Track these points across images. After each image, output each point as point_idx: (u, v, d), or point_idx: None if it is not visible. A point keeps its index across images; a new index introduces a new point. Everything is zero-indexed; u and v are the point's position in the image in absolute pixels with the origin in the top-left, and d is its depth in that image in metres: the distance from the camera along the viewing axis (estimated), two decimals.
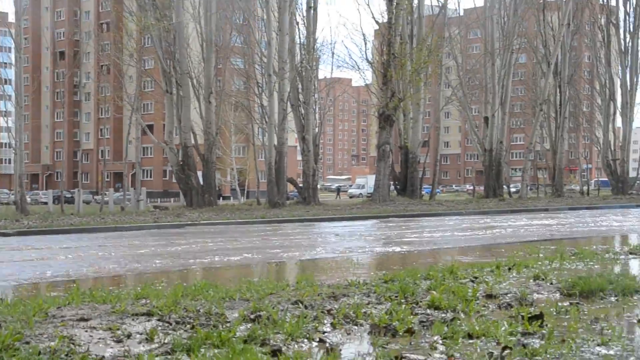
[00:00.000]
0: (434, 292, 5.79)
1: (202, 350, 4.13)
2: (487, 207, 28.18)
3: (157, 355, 4.03)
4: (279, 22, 29.16)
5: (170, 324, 4.80)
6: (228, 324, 4.83)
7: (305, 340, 4.47)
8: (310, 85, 31.49)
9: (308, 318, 4.93)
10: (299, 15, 33.21)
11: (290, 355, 4.08)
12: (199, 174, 29.35)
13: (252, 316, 4.99)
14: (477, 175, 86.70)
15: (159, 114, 55.19)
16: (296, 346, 4.36)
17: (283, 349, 4.23)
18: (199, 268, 9.60)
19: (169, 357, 4.05)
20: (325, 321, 4.95)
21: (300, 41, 33.00)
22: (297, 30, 32.31)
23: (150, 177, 73.55)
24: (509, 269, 7.51)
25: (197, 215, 22.08)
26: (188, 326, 4.73)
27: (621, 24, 44.10)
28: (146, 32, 31.51)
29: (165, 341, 4.35)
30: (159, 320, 4.88)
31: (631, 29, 43.16)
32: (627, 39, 43.38)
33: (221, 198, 54.61)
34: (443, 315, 5.13)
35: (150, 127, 50.95)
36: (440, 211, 24.83)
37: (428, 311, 5.26)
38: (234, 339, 4.37)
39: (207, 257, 10.75)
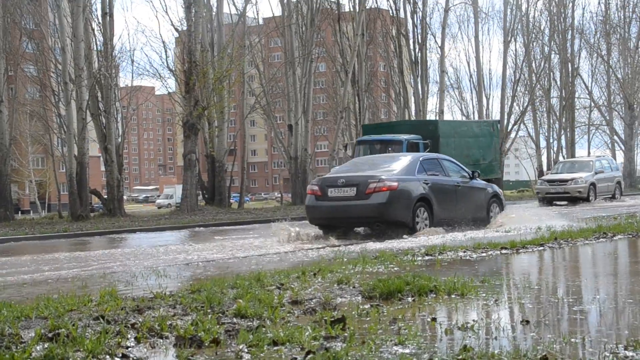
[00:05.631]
0: (240, 301, 5.79)
1: None
2: (295, 214, 28.66)
3: None
4: (72, 28, 28.06)
5: None
6: (23, 345, 4.56)
7: (107, 356, 4.31)
8: (111, 93, 30.50)
9: (110, 333, 4.76)
10: (95, 21, 32.20)
11: None
12: None
13: (49, 335, 4.74)
14: (285, 183, 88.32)
15: None
16: None
17: None
18: None
19: None
20: (129, 335, 4.81)
21: (97, 48, 31.96)
22: (93, 36, 31.27)
23: None
24: (314, 274, 7.64)
25: None
26: None
27: (410, 35, 46.30)
28: None
29: None
30: None
31: (419, 40, 45.49)
32: (417, 50, 45.66)
33: (20, 212, 51.73)
34: (249, 323, 5.15)
35: None
36: (249, 219, 24.97)
37: (234, 320, 5.26)
38: (28, 359, 4.14)
39: None
